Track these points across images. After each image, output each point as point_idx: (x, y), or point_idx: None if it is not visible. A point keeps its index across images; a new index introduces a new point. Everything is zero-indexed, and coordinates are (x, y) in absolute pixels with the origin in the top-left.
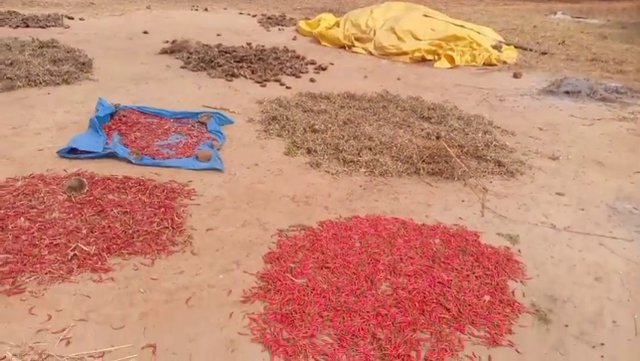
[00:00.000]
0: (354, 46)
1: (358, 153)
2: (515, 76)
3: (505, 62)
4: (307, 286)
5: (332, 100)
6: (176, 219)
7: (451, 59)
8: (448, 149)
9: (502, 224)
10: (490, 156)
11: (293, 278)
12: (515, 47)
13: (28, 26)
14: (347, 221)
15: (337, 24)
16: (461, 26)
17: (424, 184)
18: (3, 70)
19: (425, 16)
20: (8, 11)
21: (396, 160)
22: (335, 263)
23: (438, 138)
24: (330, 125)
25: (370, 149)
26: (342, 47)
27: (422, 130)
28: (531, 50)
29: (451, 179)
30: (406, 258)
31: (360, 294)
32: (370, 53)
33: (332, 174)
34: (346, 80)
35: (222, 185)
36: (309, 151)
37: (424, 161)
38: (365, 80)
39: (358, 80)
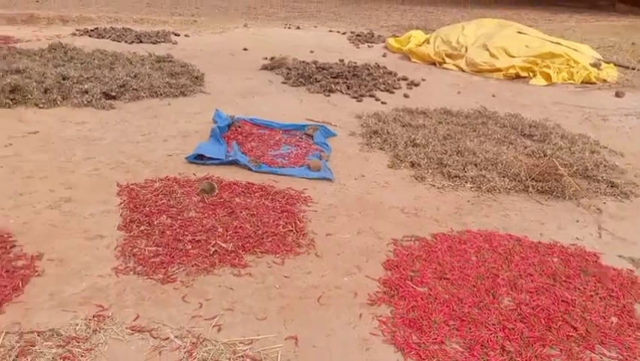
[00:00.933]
0: (444, 62)
1: (463, 168)
2: (617, 95)
3: (605, 81)
4: (429, 294)
5: (429, 115)
6: (299, 223)
7: (547, 77)
8: (560, 167)
9: (622, 246)
10: (601, 177)
11: (414, 286)
12: (615, 65)
13: (141, 42)
14: (460, 235)
15: (427, 41)
16: (557, 43)
17: (533, 202)
18: (129, 82)
19: (519, 33)
20: (123, 28)
21: (503, 177)
22: (453, 275)
23: (545, 155)
24: (430, 140)
25: (475, 165)
26: (433, 63)
27: (525, 148)
28: (633, 69)
29: (561, 198)
30: (525, 275)
31: (483, 307)
32: (462, 70)
33: (438, 187)
34: (440, 96)
35: (334, 194)
36: (412, 165)
37: (533, 179)
38: (459, 96)
39: (452, 96)
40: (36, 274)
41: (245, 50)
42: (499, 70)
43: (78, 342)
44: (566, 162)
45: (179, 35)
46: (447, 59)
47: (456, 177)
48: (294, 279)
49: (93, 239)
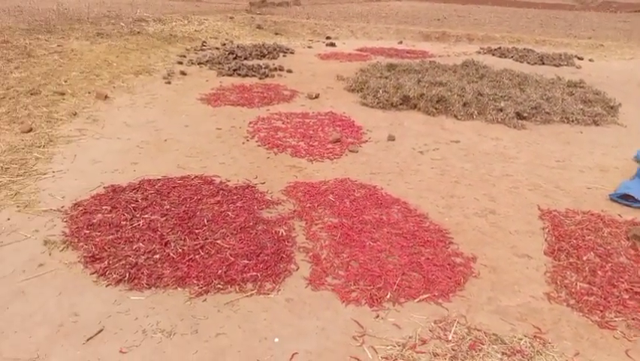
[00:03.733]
0: None
1: None
2: None
3: None
4: None
5: None
6: None
7: None
8: None
9: None
10: None
11: None
12: None
13: (543, 64)
14: None
15: None
16: None
17: None
18: (542, 104)
19: None
20: (525, 48)
21: None
22: None
23: None
24: None
25: None
26: None
27: None
28: None
29: None
30: None
31: None
32: None
33: None
34: None
35: None
36: None
37: None
38: None
39: None
40: (473, 275)
41: None
42: None
43: (523, 356)
44: None
45: (582, 59)
46: None
47: None
48: None
49: (521, 257)
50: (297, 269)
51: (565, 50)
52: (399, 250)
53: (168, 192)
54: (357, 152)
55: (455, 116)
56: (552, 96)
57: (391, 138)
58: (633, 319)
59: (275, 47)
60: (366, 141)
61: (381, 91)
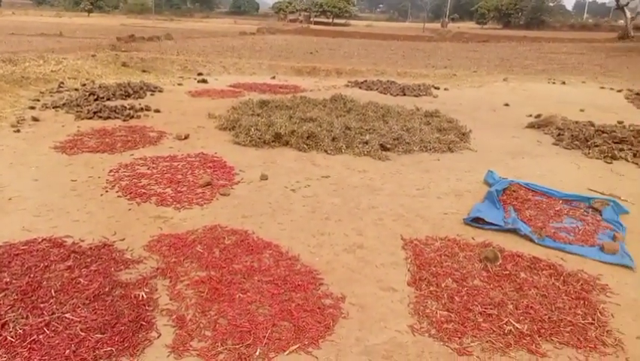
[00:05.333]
0: None
1: None
2: None
3: None
4: None
5: None
6: (600, 316)
7: None
8: None
9: None
10: None
11: None
12: None
13: (405, 95)
14: None
15: None
16: None
17: None
18: (403, 135)
19: None
20: (388, 80)
21: None
22: None
23: None
24: None
25: None
26: None
27: None
28: None
29: None
30: None
31: None
32: None
33: None
34: None
35: (638, 287)
36: None
37: None
38: None
39: None
40: (342, 316)
41: (506, 105)
42: None
43: None
44: None
45: (439, 89)
46: None
47: None
48: None
49: (387, 290)
50: (158, 336)
51: (423, 80)
52: (269, 299)
53: (9, 262)
54: (228, 195)
55: (325, 151)
56: (412, 127)
57: (264, 177)
58: (487, 341)
59: (142, 86)
60: (239, 182)
61: (253, 129)
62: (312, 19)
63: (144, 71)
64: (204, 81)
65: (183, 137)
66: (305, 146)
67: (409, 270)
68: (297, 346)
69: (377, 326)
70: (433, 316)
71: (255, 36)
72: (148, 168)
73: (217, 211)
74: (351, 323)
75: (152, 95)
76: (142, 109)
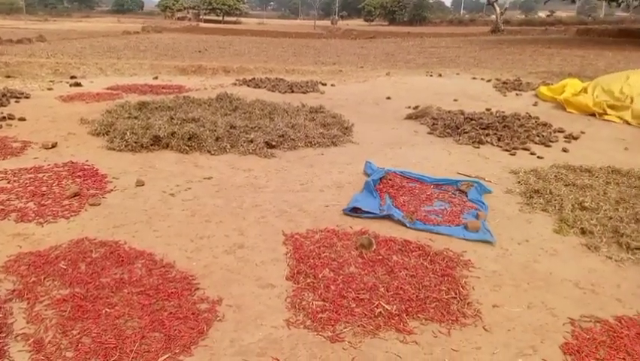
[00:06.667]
0: (606, 113)
1: None
2: None
3: None
4: None
5: (594, 174)
6: (462, 290)
7: None
8: None
9: None
10: None
11: None
12: None
13: (293, 92)
14: None
15: (584, 90)
16: None
17: None
18: (288, 132)
19: None
20: (276, 78)
21: None
22: None
23: None
24: (601, 204)
25: None
26: (592, 114)
27: None
28: None
29: None
30: None
31: None
32: (627, 123)
33: (616, 260)
34: (604, 152)
35: (497, 259)
36: (582, 231)
37: None
38: (626, 153)
39: (618, 153)
40: (218, 318)
41: (388, 98)
42: None
43: None
44: None
45: (325, 85)
46: (609, 110)
47: (637, 249)
48: (463, 353)
49: (266, 287)
50: None
51: (312, 77)
52: (139, 311)
53: None
54: (99, 204)
55: (209, 152)
56: (297, 123)
57: (140, 183)
58: (359, 326)
59: (4, 93)
60: (112, 190)
61: (129, 133)
62: (201, 17)
63: (8, 77)
64: (78, 84)
65: (50, 145)
66: (186, 148)
67: (288, 265)
68: (167, 356)
69: (253, 325)
70: (309, 307)
71: (139, 35)
72: (8, 183)
73: (85, 223)
74: (226, 325)
75: (17, 102)
76: (4, 118)
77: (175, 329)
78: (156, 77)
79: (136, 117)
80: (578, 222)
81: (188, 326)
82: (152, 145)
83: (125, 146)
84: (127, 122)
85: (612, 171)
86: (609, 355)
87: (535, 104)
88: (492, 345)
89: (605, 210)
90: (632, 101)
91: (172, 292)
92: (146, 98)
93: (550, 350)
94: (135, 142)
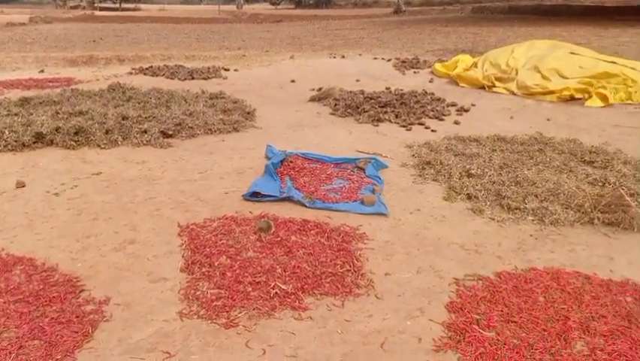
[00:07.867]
0: (494, 86)
1: (523, 200)
2: None
3: None
4: (497, 340)
5: (482, 143)
6: (356, 262)
7: (604, 98)
8: (626, 197)
9: None
10: None
11: (481, 331)
12: None
13: (193, 78)
14: (525, 273)
15: (475, 64)
16: (612, 62)
17: (600, 235)
18: (185, 120)
19: (572, 53)
20: (176, 65)
21: (566, 208)
22: (521, 318)
23: (609, 184)
24: (486, 170)
25: (536, 196)
26: (482, 87)
27: (587, 176)
28: None
29: (630, 230)
30: (597, 316)
31: (556, 352)
32: (513, 93)
33: (497, 221)
34: (492, 122)
35: (390, 230)
36: (469, 197)
37: (598, 210)
38: (512, 122)
39: (504, 122)
40: (104, 319)
41: (292, 81)
42: (552, 92)
43: None
44: (633, 190)
45: (228, 70)
46: (497, 83)
47: (516, 209)
48: (355, 323)
49: (157, 281)
50: None
51: (214, 62)
52: (17, 320)
53: None
54: None
55: (98, 146)
56: (195, 110)
57: (21, 185)
58: (254, 309)
59: None
60: None
61: (7, 131)
62: (96, 5)
63: None
64: None
65: None
66: (73, 143)
67: (183, 256)
68: None
69: (143, 321)
70: (203, 297)
71: (26, 26)
72: None
73: None
74: (113, 325)
75: None
76: None
77: (57, 335)
78: (42, 71)
79: (16, 114)
80: (465, 189)
81: (71, 330)
82: (34, 143)
83: (5, 146)
84: (5, 120)
85: (498, 139)
86: (489, 308)
87: (431, 81)
88: (383, 312)
89: (490, 175)
90: (516, 72)
91: (54, 297)
92: (30, 93)
93: (436, 310)
94: (15, 141)
